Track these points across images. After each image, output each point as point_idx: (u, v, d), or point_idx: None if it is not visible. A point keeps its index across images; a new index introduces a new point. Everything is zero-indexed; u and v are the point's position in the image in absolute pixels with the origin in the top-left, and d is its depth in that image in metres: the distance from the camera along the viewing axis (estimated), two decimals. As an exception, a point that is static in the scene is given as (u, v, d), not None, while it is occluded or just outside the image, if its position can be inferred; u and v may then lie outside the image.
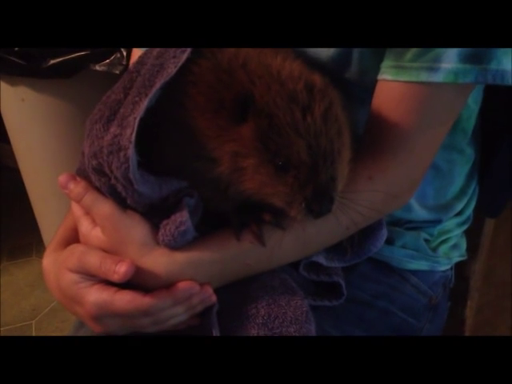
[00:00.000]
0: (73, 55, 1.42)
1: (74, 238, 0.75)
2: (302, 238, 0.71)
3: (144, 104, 0.65)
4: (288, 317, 0.71)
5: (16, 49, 1.36)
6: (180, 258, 0.68)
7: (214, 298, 0.69)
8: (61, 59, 1.43)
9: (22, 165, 1.68)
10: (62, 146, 1.52)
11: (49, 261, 0.74)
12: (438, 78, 0.70)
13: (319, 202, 0.63)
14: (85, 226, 0.71)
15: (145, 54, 0.73)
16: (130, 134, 0.63)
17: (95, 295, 0.67)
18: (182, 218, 0.67)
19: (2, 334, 1.68)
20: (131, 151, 0.63)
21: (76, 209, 0.72)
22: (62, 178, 0.70)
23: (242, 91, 0.63)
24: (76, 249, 0.70)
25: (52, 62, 1.43)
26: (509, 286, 1.12)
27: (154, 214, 0.69)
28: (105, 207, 0.68)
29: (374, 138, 0.76)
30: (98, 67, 1.41)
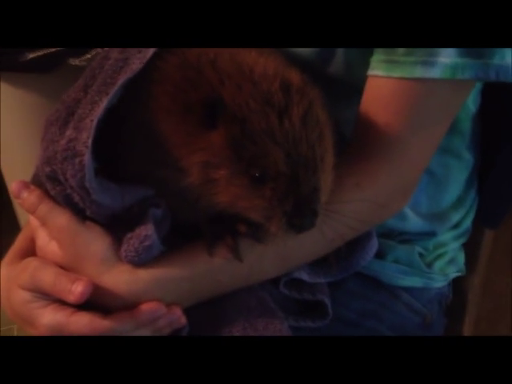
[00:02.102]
0: (52, 49, 1.36)
1: (32, 249, 0.68)
2: (281, 252, 0.65)
3: (103, 104, 0.58)
4: None
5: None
6: (144, 275, 0.61)
7: (183, 320, 0.63)
8: (40, 53, 1.37)
9: (1, 161, 1.62)
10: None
11: (3, 274, 0.67)
12: (434, 73, 0.64)
13: (301, 216, 0.57)
14: (41, 239, 0.64)
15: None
16: (87, 138, 0.57)
17: (49, 317, 0.60)
18: (146, 232, 0.60)
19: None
20: (87, 157, 0.56)
21: (33, 219, 0.66)
22: (15, 186, 0.64)
23: (210, 93, 0.56)
24: (30, 264, 0.63)
25: (31, 56, 1.37)
26: (506, 297, 1.07)
27: (118, 226, 0.63)
28: (60, 219, 0.61)
29: (361, 140, 0.70)
30: (78, 62, 1.36)
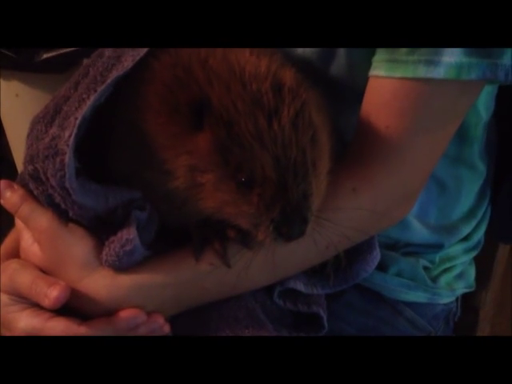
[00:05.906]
0: (67, 49, 1.36)
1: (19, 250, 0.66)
2: (271, 260, 0.61)
3: (90, 102, 0.56)
4: None
5: (8, 41, 1.31)
6: (126, 281, 0.59)
7: (166, 329, 0.60)
8: (54, 53, 1.36)
9: (17, 160, 1.63)
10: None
11: None
12: (437, 73, 0.61)
13: (290, 224, 0.54)
14: (25, 240, 0.63)
15: None
16: (69, 136, 0.55)
17: (25, 321, 0.58)
18: (128, 236, 0.58)
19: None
20: (68, 156, 0.54)
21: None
22: None
23: (197, 94, 0.54)
24: (9, 266, 0.61)
25: (45, 55, 1.37)
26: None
27: (102, 228, 0.60)
28: (42, 220, 0.59)
29: (360, 143, 0.67)
30: (91, 62, 1.35)
